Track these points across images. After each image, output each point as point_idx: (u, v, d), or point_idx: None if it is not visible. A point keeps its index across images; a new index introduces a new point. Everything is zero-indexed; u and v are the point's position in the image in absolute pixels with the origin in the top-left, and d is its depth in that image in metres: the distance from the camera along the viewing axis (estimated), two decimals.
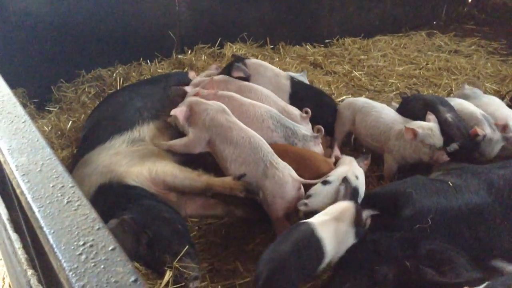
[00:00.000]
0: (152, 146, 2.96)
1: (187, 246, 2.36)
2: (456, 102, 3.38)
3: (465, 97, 3.61)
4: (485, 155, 3.10)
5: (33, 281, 1.22)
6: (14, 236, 1.35)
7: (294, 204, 2.57)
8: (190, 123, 2.87)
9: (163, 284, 2.23)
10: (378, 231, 2.48)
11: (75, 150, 3.27)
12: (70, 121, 3.69)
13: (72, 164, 3.06)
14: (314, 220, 2.24)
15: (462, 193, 2.47)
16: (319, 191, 2.56)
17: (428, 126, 2.96)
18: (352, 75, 4.87)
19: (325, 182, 2.60)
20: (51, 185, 0.81)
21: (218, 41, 5.02)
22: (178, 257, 2.30)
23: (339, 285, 2.20)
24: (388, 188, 2.65)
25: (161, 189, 2.73)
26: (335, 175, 2.62)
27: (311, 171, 2.65)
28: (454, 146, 2.97)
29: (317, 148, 2.90)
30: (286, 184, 2.56)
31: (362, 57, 5.33)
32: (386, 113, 3.23)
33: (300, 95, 3.43)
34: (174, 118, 2.92)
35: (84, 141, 3.12)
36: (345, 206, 2.32)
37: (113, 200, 2.57)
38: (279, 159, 2.64)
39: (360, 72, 4.93)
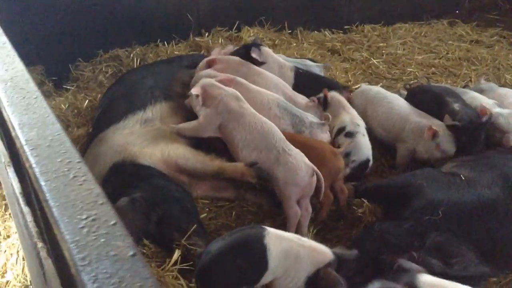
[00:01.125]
0: (166, 127, 2.98)
1: (195, 225, 2.39)
2: (470, 96, 3.33)
3: (481, 91, 3.56)
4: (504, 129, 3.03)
5: (43, 253, 1.26)
6: (25, 209, 1.39)
7: (307, 191, 2.57)
8: (202, 105, 2.87)
9: (171, 263, 2.26)
10: (387, 221, 2.49)
11: (91, 129, 3.31)
12: (87, 100, 3.73)
13: (87, 142, 3.11)
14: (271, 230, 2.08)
15: (474, 186, 2.45)
16: (358, 143, 2.80)
17: (448, 131, 2.94)
18: (370, 62, 4.82)
19: (349, 134, 2.83)
20: (58, 160, 0.83)
21: (236, 25, 4.99)
22: (187, 235, 2.33)
23: (345, 271, 2.21)
24: (398, 179, 2.64)
25: (173, 170, 2.75)
26: (349, 123, 2.90)
27: (316, 160, 2.63)
28: (454, 122, 2.94)
29: (324, 136, 2.89)
30: (300, 171, 2.54)
31: (381, 44, 5.26)
32: (399, 104, 3.21)
33: (303, 86, 3.41)
34: (190, 99, 2.92)
35: (99, 120, 3.16)
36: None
37: (125, 179, 2.61)
38: (292, 146, 2.64)
39: (378, 60, 4.87)
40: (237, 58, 3.41)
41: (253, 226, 2.17)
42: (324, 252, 2.02)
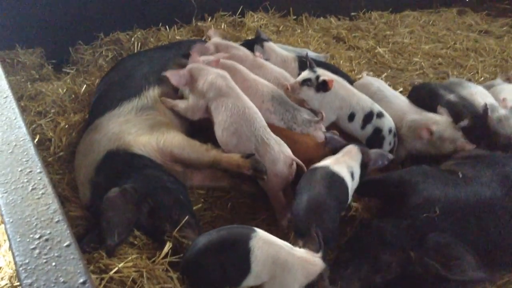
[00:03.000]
0: (162, 116, 2.93)
1: (187, 216, 2.36)
2: (468, 92, 3.26)
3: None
4: (503, 133, 2.95)
5: None
6: None
7: (288, 180, 2.54)
8: (190, 88, 2.84)
9: (162, 255, 2.23)
10: (385, 218, 2.45)
11: (87, 115, 3.27)
12: (85, 85, 3.68)
13: (83, 129, 3.07)
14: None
15: (472, 184, 2.41)
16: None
17: (442, 121, 2.88)
18: (376, 51, 4.73)
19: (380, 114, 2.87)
20: (19, 169, 0.78)
21: (240, 9, 4.90)
22: (178, 227, 2.30)
23: (342, 268, 2.18)
24: (394, 175, 2.59)
25: (168, 160, 2.71)
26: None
27: (300, 153, 2.59)
28: (465, 122, 2.88)
29: (317, 134, 2.80)
30: (278, 162, 2.51)
31: (388, 32, 5.16)
32: (397, 102, 3.13)
33: None
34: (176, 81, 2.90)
35: (94, 106, 3.12)
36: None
37: (119, 168, 2.57)
38: (271, 134, 2.59)
39: (384, 49, 4.78)
40: (243, 50, 3.36)
41: (244, 226, 2.11)
42: (316, 263, 1.95)
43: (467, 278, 2.09)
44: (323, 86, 2.86)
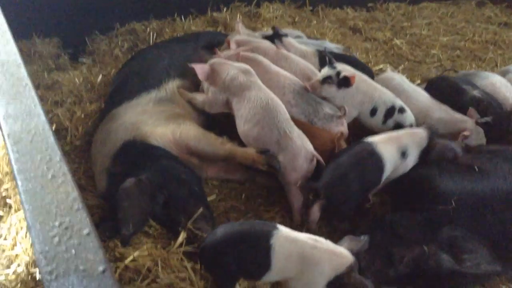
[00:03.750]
0: (180, 109, 2.94)
1: (201, 208, 2.36)
2: (489, 82, 3.21)
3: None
4: None
5: None
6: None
7: (306, 176, 2.51)
8: (210, 82, 2.81)
9: (176, 245, 2.25)
10: (398, 212, 2.44)
11: (103, 105, 3.29)
12: (101, 75, 3.70)
13: (99, 118, 3.09)
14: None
15: (488, 178, 2.39)
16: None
17: (476, 128, 2.85)
18: (393, 43, 4.68)
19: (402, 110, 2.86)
20: (39, 157, 0.79)
21: (256, 0, 4.87)
22: (192, 218, 2.31)
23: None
24: (411, 171, 2.56)
25: (183, 152, 2.71)
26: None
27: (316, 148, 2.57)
28: (486, 119, 2.85)
29: (339, 129, 2.75)
30: (299, 157, 2.48)
31: (405, 24, 5.10)
32: (418, 98, 3.07)
33: None
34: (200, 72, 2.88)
35: (112, 96, 3.13)
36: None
37: (135, 158, 2.58)
38: (294, 128, 2.55)
39: (402, 40, 4.72)
40: (266, 43, 3.34)
41: (266, 223, 2.10)
42: (344, 255, 1.93)
43: (480, 272, 2.09)
44: (345, 82, 2.80)
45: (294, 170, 2.49)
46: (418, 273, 2.16)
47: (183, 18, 4.59)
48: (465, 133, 2.79)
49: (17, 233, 2.75)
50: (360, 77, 2.93)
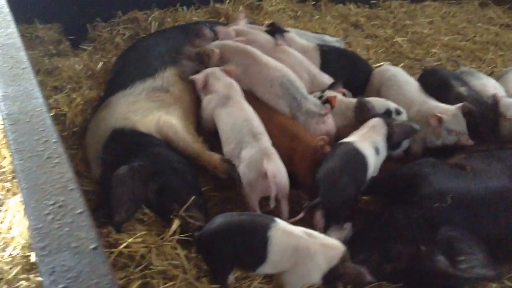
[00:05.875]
0: (173, 99, 2.95)
1: (194, 196, 2.38)
2: (481, 83, 3.23)
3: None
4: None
5: None
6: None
7: (264, 192, 2.41)
8: (203, 93, 2.89)
9: (170, 233, 2.27)
10: (396, 208, 2.45)
11: (103, 93, 3.30)
12: (101, 62, 3.70)
13: (99, 105, 3.10)
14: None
15: (481, 176, 2.41)
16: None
17: (452, 113, 2.83)
18: (394, 40, 4.67)
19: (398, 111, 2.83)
20: (35, 138, 0.80)
21: None
22: (185, 206, 2.32)
23: (353, 254, 2.19)
24: (403, 169, 2.58)
25: (165, 141, 2.73)
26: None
27: (298, 154, 2.55)
28: (471, 107, 2.86)
29: (319, 127, 2.75)
30: (244, 176, 2.43)
31: (407, 22, 5.10)
32: (408, 89, 3.10)
33: (331, 64, 3.34)
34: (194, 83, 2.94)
35: (109, 84, 3.14)
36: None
37: (126, 145, 2.60)
38: (261, 142, 2.48)
39: (403, 38, 4.72)
40: (264, 35, 3.37)
41: (265, 216, 2.13)
42: (336, 246, 1.98)
43: (475, 276, 2.10)
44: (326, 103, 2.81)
45: (248, 184, 2.43)
46: (414, 271, 2.19)
47: (185, 8, 4.59)
48: (438, 114, 2.79)
49: (14, 216, 2.78)
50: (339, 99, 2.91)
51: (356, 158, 2.42)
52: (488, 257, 2.18)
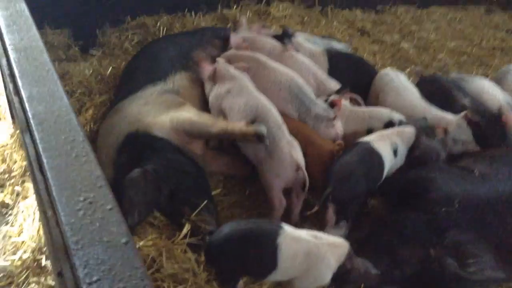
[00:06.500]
0: (182, 98, 2.97)
1: (206, 201, 2.40)
2: (476, 84, 3.26)
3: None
4: None
5: (52, 222, 1.27)
6: (39, 176, 1.40)
7: (290, 184, 2.50)
8: (212, 82, 2.90)
9: (181, 236, 2.28)
10: (404, 212, 2.46)
11: (113, 97, 3.33)
12: (111, 67, 3.74)
13: (109, 110, 3.13)
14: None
15: (489, 180, 2.42)
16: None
17: (457, 123, 2.85)
18: (400, 46, 4.71)
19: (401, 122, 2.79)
20: (63, 137, 0.82)
21: None
22: (197, 210, 2.34)
23: None
24: (410, 173, 2.59)
25: (183, 137, 2.73)
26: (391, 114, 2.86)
27: (313, 158, 2.57)
28: (476, 117, 2.88)
29: (329, 130, 2.78)
30: (283, 163, 2.47)
31: (414, 27, 5.13)
32: (407, 95, 3.11)
33: (338, 68, 3.36)
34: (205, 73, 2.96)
35: (119, 89, 3.17)
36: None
37: (139, 150, 2.61)
38: (285, 134, 2.55)
39: (409, 44, 4.75)
40: (272, 41, 3.40)
41: (272, 222, 2.15)
42: (342, 244, 1.99)
43: (485, 278, 2.11)
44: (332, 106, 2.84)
45: (278, 176, 2.49)
46: (423, 275, 2.19)
47: (193, 14, 4.63)
48: (443, 127, 2.80)
49: (24, 220, 2.80)
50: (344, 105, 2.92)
51: (372, 156, 2.46)
52: (496, 259, 2.19)
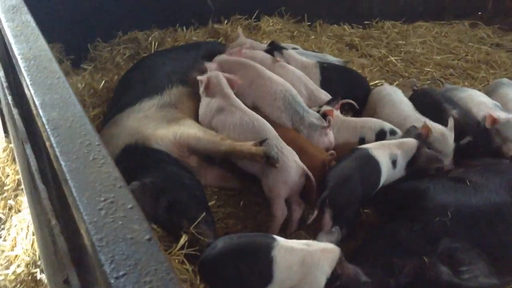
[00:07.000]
0: (181, 112, 3.00)
1: (204, 213, 2.41)
2: (467, 94, 3.34)
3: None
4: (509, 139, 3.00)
5: (56, 231, 1.28)
6: (41, 186, 1.42)
7: (295, 190, 2.57)
8: (204, 94, 2.95)
9: (178, 247, 2.28)
10: (397, 221, 2.49)
11: (106, 110, 3.34)
12: (103, 81, 3.76)
13: (103, 124, 3.14)
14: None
15: (481, 191, 2.46)
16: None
17: (441, 131, 2.89)
18: (388, 59, 4.78)
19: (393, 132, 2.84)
20: (78, 141, 0.84)
21: (256, 13, 4.98)
22: (195, 223, 2.35)
23: None
24: (403, 184, 2.63)
25: (184, 152, 2.76)
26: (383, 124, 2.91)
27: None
28: (466, 139, 2.94)
29: (323, 139, 2.83)
30: (290, 169, 2.53)
31: (400, 42, 5.21)
32: (402, 107, 3.18)
33: (331, 80, 3.42)
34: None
35: (114, 102, 3.19)
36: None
37: (137, 162, 2.63)
38: (284, 144, 2.62)
39: (396, 58, 4.83)
40: (262, 53, 3.48)
41: (263, 235, 2.15)
42: (333, 249, 2.01)
43: (478, 285, 2.13)
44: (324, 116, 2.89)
45: (285, 183, 2.54)
46: (418, 283, 2.21)
47: (184, 29, 4.68)
48: (426, 127, 2.84)
49: (17, 234, 2.78)
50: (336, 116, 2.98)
51: (369, 163, 2.49)
52: (489, 266, 2.22)
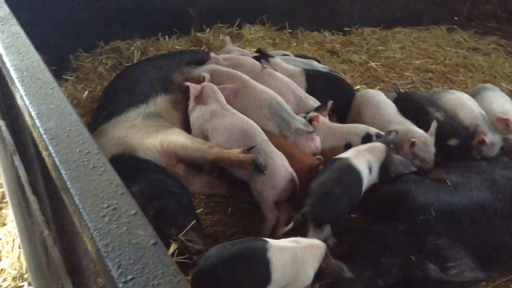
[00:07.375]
0: (166, 121, 3.00)
1: (193, 221, 2.42)
2: (455, 96, 3.40)
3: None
4: (485, 155, 3.09)
5: (49, 241, 1.28)
6: (32, 198, 1.41)
7: (283, 195, 2.60)
8: (195, 102, 2.99)
9: None
10: (383, 222, 2.53)
11: (90, 120, 3.33)
12: (86, 91, 3.74)
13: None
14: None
15: (462, 189, 2.52)
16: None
17: (424, 140, 2.94)
18: (368, 65, 4.86)
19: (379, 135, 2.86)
20: (77, 150, 0.85)
21: (237, 22, 5.02)
22: (184, 230, 2.36)
23: None
24: (385, 187, 2.67)
25: (172, 161, 2.77)
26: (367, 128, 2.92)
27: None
28: (454, 141, 3.01)
29: (309, 144, 2.88)
30: (279, 174, 2.57)
31: (380, 47, 5.30)
32: (386, 109, 3.24)
33: (316, 87, 3.46)
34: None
35: (99, 112, 3.18)
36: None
37: (124, 172, 2.60)
38: (274, 148, 2.66)
39: (377, 63, 4.91)
40: (251, 60, 3.51)
41: (255, 239, 2.19)
42: (320, 245, 2.08)
43: (465, 279, 2.18)
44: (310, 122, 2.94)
45: (273, 187, 2.58)
46: (406, 282, 2.25)
47: (167, 38, 4.68)
48: (412, 139, 2.90)
49: (2, 247, 2.74)
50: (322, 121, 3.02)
51: (351, 173, 2.50)
52: (475, 260, 2.27)
